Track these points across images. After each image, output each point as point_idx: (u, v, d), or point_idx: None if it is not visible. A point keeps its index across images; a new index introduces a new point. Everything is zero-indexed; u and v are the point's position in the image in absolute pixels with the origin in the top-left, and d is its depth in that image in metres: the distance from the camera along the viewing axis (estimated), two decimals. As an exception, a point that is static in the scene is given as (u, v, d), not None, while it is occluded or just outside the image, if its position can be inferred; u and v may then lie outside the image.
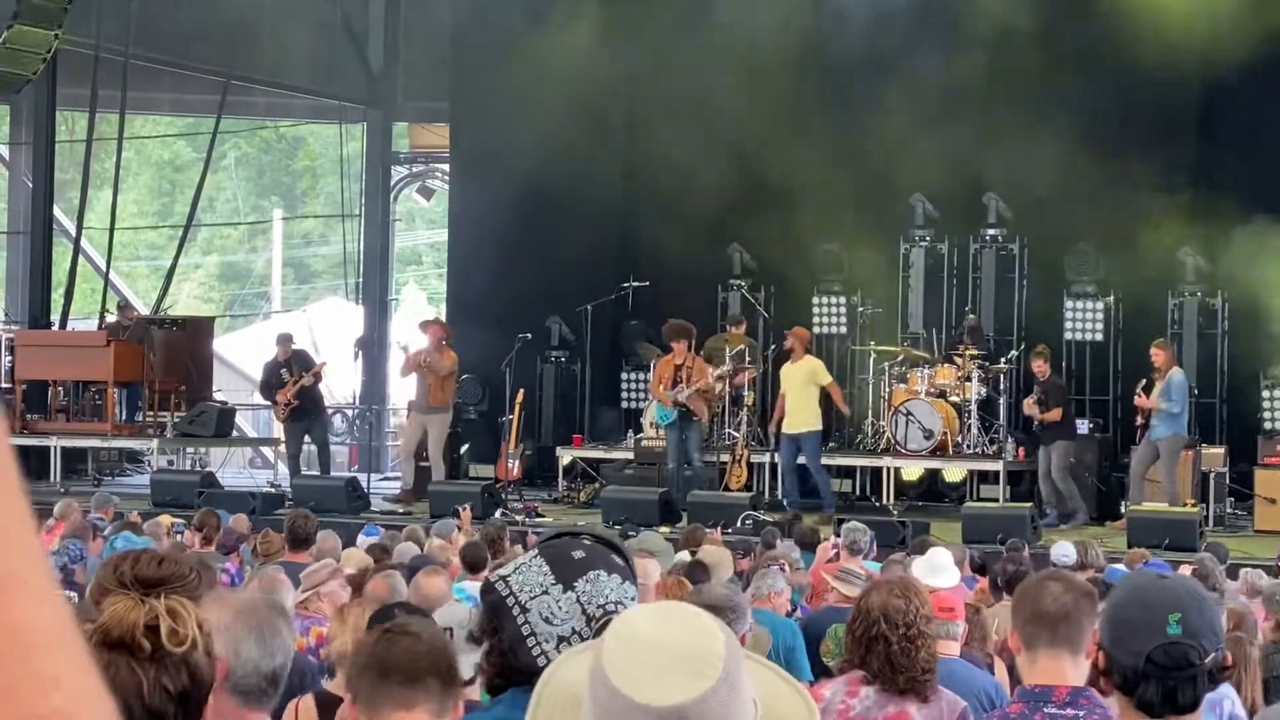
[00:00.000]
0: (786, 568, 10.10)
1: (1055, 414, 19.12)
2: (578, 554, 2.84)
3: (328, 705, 5.78)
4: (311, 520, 11.70)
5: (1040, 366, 19.39)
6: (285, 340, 22.33)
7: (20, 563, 0.97)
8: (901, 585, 5.63)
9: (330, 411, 24.97)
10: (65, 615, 0.99)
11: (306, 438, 22.34)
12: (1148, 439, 18.36)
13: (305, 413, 21.94)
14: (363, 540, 13.62)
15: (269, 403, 22.39)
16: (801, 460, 19.60)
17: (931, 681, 5.26)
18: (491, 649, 2.81)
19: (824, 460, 20.03)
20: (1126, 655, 3.36)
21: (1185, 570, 11.08)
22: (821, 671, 8.46)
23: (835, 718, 5.34)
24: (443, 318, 23.67)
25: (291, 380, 21.62)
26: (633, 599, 2.83)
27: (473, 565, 10.06)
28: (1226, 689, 5.82)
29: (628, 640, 1.95)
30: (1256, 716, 6.33)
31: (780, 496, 19.87)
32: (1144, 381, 18.60)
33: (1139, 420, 18.57)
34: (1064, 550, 12.91)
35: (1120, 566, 11.97)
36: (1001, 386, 20.36)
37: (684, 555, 11.15)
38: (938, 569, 10.00)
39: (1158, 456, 18.36)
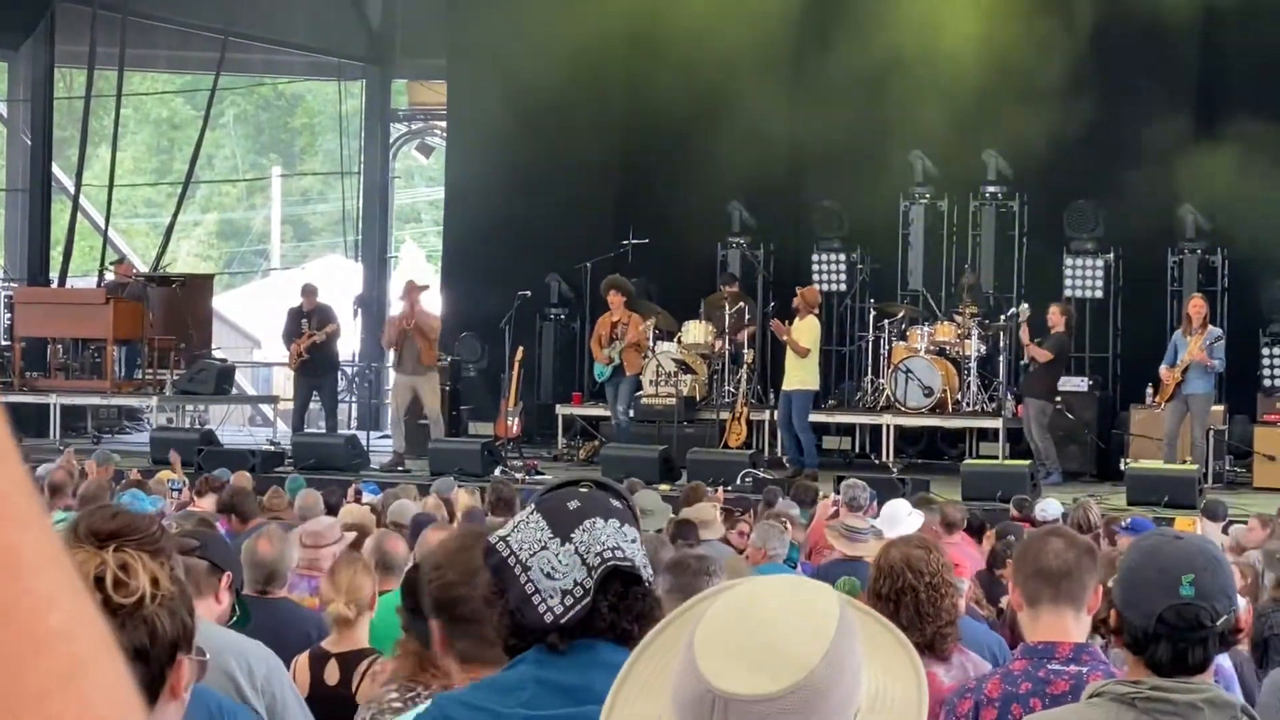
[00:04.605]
0: (789, 525, 10.12)
1: (1043, 353, 18.95)
2: (573, 504, 2.83)
3: (319, 659, 6.09)
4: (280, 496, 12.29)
5: (1055, 317, 19.23)
6: (310, 292, 22.32)
7: (4, 487, 0.97)
8: (919, 539, 5.64)
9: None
10: (54, 537, 1.00)
11: (315, 394, 22.33)
12: (1179, 395, 18.06)
13: (317, 369, 21.95)
14: (366, 498, 13.69)
15: (287, 349, 22.38)
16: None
17: (952, 636, 5.23)
18: (501, 611, 2.81)
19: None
20: (1138, 616, 3.34)
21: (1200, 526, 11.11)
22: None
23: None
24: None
25: (307, 333, 21.67)
26: (633, 540, 2.81)
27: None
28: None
29: (727, 612, 1.82)
30: (1267, 679, 6.33)
31: (779, 454, 19.95)
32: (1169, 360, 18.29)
33: (1175, 378, 18.13)
34: (1049, 508, 12.93)
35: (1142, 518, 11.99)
36: (1001, 344, 20.37)
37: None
38: (897, 519, 10.09)
39: (1185, 412, 18.19)
